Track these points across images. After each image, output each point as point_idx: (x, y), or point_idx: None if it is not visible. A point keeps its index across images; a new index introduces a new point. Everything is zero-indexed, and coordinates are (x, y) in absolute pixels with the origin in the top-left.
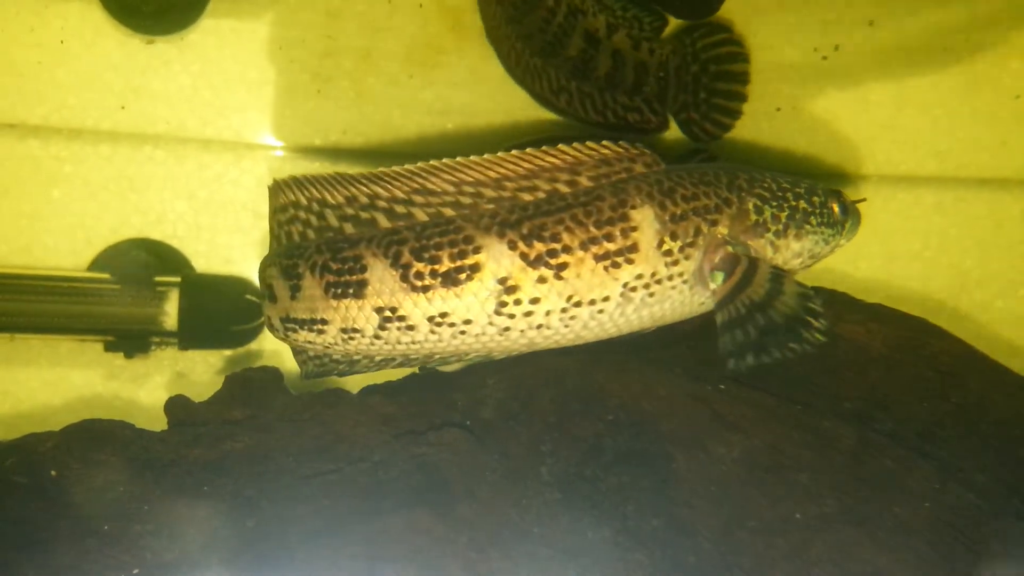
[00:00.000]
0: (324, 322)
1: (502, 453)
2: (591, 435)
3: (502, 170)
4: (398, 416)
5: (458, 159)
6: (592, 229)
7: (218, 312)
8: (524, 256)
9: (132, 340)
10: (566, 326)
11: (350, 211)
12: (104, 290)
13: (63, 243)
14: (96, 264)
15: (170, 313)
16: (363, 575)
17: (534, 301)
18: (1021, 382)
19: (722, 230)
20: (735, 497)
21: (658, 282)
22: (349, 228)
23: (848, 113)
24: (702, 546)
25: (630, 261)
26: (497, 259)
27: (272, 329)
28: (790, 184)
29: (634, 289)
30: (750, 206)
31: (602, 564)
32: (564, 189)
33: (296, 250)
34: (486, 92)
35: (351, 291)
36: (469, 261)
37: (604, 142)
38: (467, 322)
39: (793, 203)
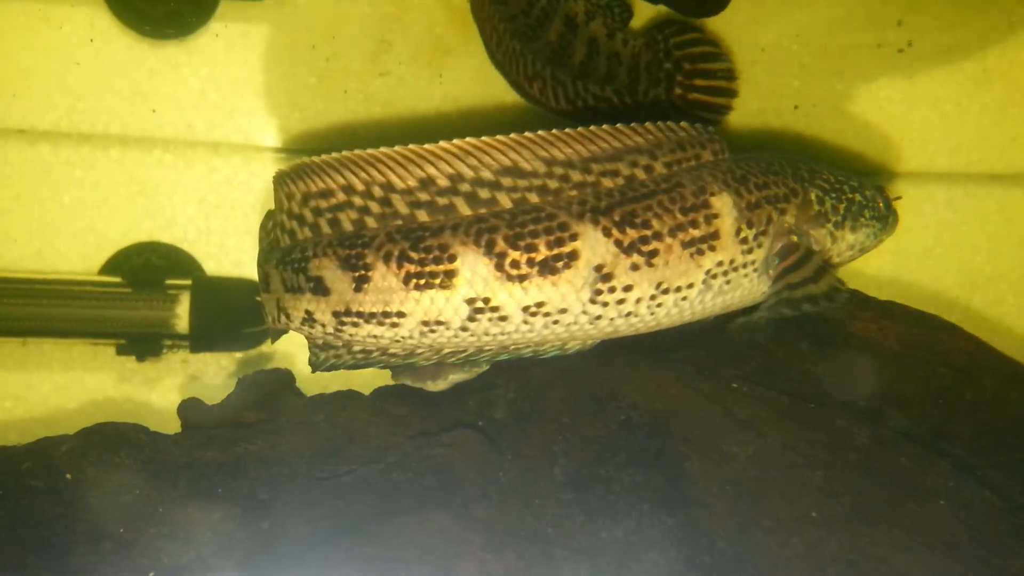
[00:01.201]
0: (401, 315)
1: (515, 454)
2: (604, 435)
3: (593, 147)
4: (411, 417)
5: (547, 132)
6: (678, 215)
7: (229, 314)
8: (618, 243)
9: (144, 343)
10: (651, 313)
11: (424, 196)
12: (116, 294)
13: (74, 247)
14: (107, 268)
15: (181, 316)
16: None
17: (627, 289)
18: None
19: (789, 219)
20: (749, 496)
21: (734, 269)
22: (423, 216)
23: (858, 110)
24: (717, 545)
25: (712, 248)
26: (593, 246)
27: (310, 323)
28: (844, 177)
29: (715, 276)
30: (812, 196)
31: (616, 564)
32: (641, 175)
33: (354, 239)
34: (494, 93)
35: (437, 282)
36: (567, 249)
37: (682, 123)
38: (562, 311)
39: (850, 195)
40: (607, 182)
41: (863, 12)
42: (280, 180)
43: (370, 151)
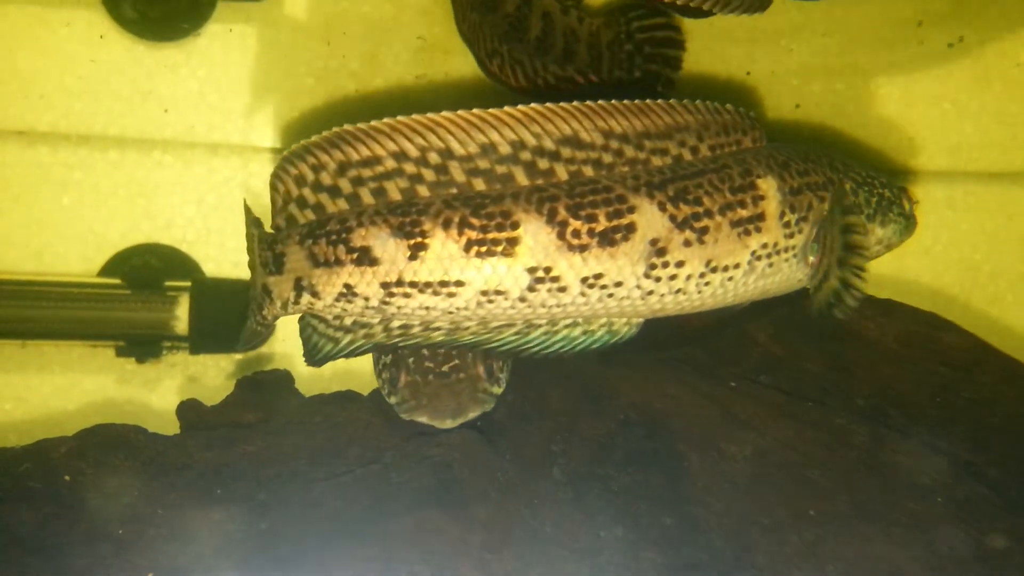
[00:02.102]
0: (459, 284)
1: (514, 453)
2: (602, 435)
3: (647, 121)
4: None
5: (605, 103)
6: (728, 195)
7: (229, 316)
8: (673, 218)
9: (143, 345)
10: (699, 292)
11: (483, 164)
12: (115, 295)
13: (73, 249)
14: (106, 269)
15: (181, 317)
16: None
17: (679, 264)
18: None
19: (827, 207)
20: (748, 495)
21: (777, 252)
22: (480, 185)
23: (858, 109)
24: (715, 544)
25: (758, 230)
26: (650, 220)
27: (347, 298)
28: (875, 173)
29: (759, 258)
30: (847, 187)
31: (615, 563)
32: (688, 156)
33: (407, 207)
34: (494, 92)
35: (499, 249)
36: (625, 221)
37: (727, 106)
38: (617, 284)
39: (880, 190)
40: (656, 160)
41: (865, 10)
42: (299, 154)
43: (429, 115)
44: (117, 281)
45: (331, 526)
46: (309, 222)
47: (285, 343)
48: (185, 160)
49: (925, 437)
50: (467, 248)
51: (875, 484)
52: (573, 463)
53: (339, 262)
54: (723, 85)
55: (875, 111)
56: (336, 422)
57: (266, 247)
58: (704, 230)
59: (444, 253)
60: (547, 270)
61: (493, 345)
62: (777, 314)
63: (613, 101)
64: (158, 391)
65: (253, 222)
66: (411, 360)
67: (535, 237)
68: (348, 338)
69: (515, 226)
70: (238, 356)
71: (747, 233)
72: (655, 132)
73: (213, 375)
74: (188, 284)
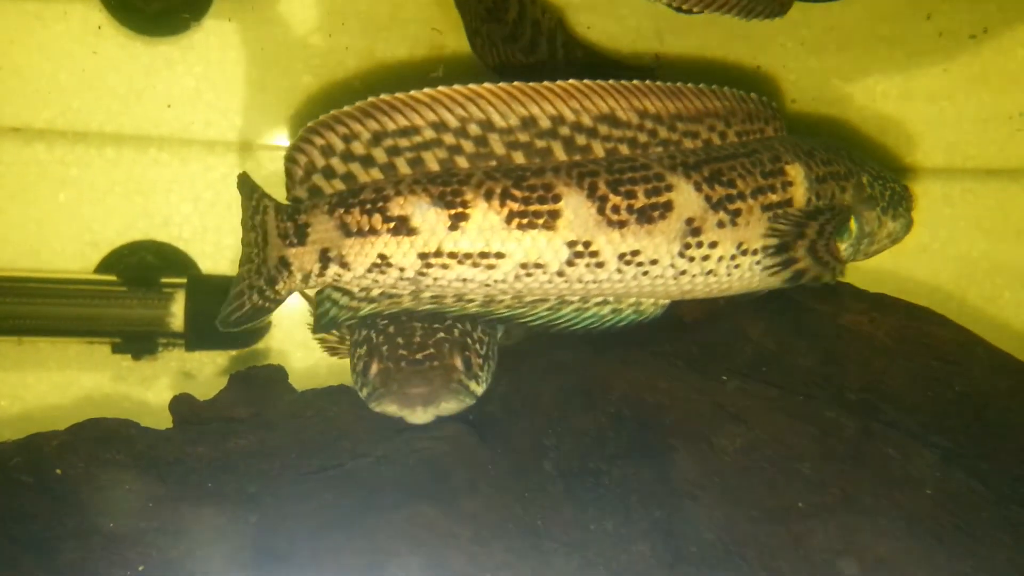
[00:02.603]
0: (500, 256)
1: (505, 447)
2: (594, 428)
3: (680, 104)
4: None
5: (640, 83)
6: (759, 179)
7: None
8: (708, 199)
9: (139, 342)
10: (728, 274)
11: (523, 137)
12: (111, 292)
13: (70, 246)
14: (103, 266)
15: (177, 314)
16: (366, 570)
17: (712, 245)
18: None
19: (847, 198)
20: (738, 488)
21: None
22: (519, 158)
23: (855, 106)
24: (705, 537)
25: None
26: (687, 199)
27: (380, 269)
28: (885, 169)
29: None
30: (864, 180)
31: (606, 556)
32: (717, 141)
33: (447, 177)
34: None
35: (541, 222)
36: (663, 199)
37: (751, 94)
38: (653, 262)
39: (891, 184)
40: (688, 142)
41: (863, 8)
42: (328, 124)
43: (471, 86)
44: (113, 278)
45: (322, 519)
46: (339, 192)
47: (280, 340)
48: (182, 157)
49: (916, 431)
50: (508, 220)
51: (865, 477)
52: (564, 457)
53: (374, 231)
54: (721, 79)
55: (872, 108)
56: (327, 416)
57: (285, 218)
58: (737, 212)
59: (485, 224)
60: (586, 244)
61: (527, 319)
62: (770, 309)
63: (648, 82)
64: (154, 388)
65: (258, 192)
66: (385, 348)
67: (576, 211)
68: (369, 307)
69: (556, 199)
70: (233, 353)
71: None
72: (687, 115)
73: (209, 372)
74: (184, 281)
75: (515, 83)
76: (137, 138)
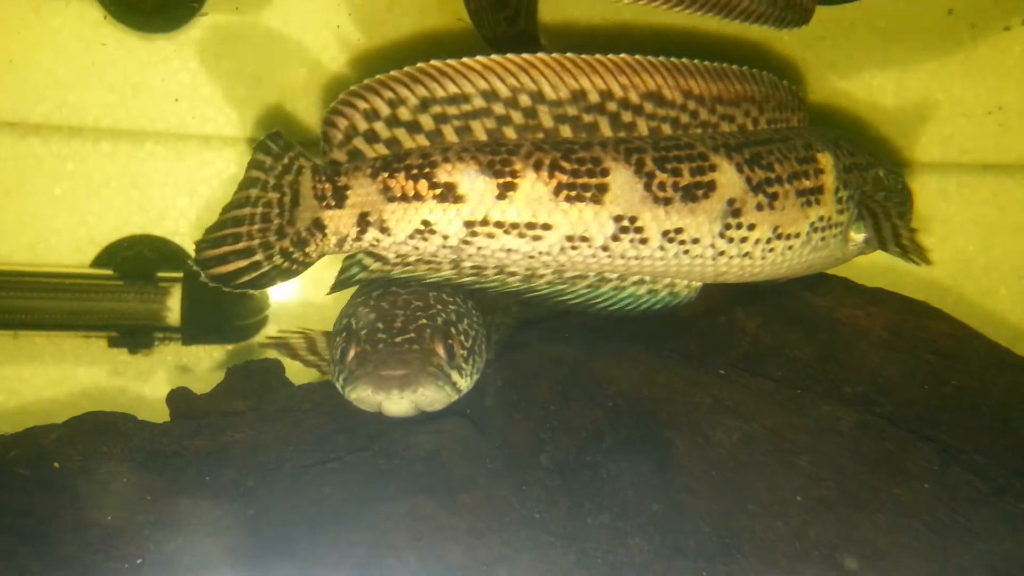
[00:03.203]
0: (546, 227)
1: (502, 441)
2: (591, 422)
3: (721, 86)
4: None
5: (687, 61)
6: (795, 164)
7: (221, 307)
8: (749, 180)
9: (136, 336)
10: (762, 258)
11: (572, 111)
12: (107, 286)
13: (66, 240)
14: (99, 261)
15: (173, 308)
16: (364, 562)
17: (751, 227)
18: (1022, 364)
19: (868, 189)
20: (735, 481)
21: (829, 227)
22: (566, 132)
23: (850, 100)
24: (702, 530)
25: (818, 202)
26: (729, 179)
27: (423, 235)
28: (894, 165)
29: (816, 230)
30: (881, 173)
31: (602, 549)
32: (750, 127)
33: (495, 146)
34: None
35: (589, 195)
36: (706, 178)
37: (784, 81)
38: (695, 241)
39: (901, 183)
40: (725, 126)
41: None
42: (372, 88)
43: (523, 56)
44: (110, 272)
45: (319, 512)
46: (383, 156)
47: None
48: (178, 152)
49: (913, 425)
50: (556, 192)
51: (862, 471)
52: (561, 450)
53: (419, 197)
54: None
55: (868, 102)
56: (325, 410)
57: (324, 179)
58: (775, 196)
59: (533, 195)
60: (632, 220)
61: (566, 297)
62: (766, 303)
63: (695, 61)
64: (151, 382)
65: (293, 151)
66: (364, 332)
67: (623, 186)
68: (402, 271)
69: (604, 173)
70: (230, 347)
71: (809, 204)
72: (727, 98)
73: (206, 366)
74: (180, 275)
75: (567, 54)
76: (133, 133)
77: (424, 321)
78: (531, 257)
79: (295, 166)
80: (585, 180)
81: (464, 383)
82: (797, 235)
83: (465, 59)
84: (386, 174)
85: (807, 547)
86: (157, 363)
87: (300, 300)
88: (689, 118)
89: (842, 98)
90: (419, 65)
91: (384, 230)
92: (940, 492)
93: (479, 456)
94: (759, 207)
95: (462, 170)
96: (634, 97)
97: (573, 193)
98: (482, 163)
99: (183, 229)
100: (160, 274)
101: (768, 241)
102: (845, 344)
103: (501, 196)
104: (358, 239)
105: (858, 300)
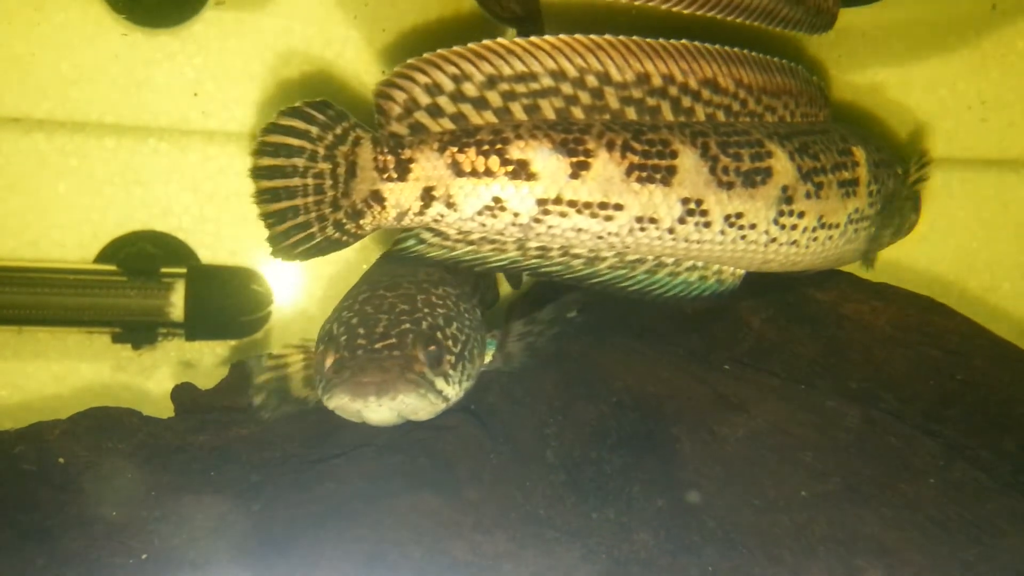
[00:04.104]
0: (618, 207)
1: (507, 437)
2: (595, 418)
3: (767, 77)
4: None
5: (738, 50)
6: (836, 155)
7: (224, 303)
8: (800, 168)
9: (139, 332)
10: (807, 247)
11: (636, 93)
12: (111, 282)
13: (70, 236)
14: (102, 256)
15: (177, 304)
16: (369, 558)
17: (800, 215)
18: None
19: (891, 185)
20: (740, 477)
21: (862, 219)
22: (631, 114)
23: (854, 96)
24: (707, 525)
25: (855, 194)
26: (784, 167)
27: (493, 212)
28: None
29: (852, 221)
30: (900, 171)
31: (607, 545)
32: (788, 119)
33: (567, 124)
34: None
35: (659, 176)
36: (764, 164)
37: (814, 78)
38: (752, 226)
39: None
40: (768, 117)
41: None
42: (435, 63)
43: (591, 36)
44: (113, 268)
45: (323, 507)
46: (451, 130)
47: (283, 330)
48: (181, 147)
49: (918, 420)
50: (628, 172)
51: (867, 466)
52: (566, 446)
53: (489, 173)
54: None
55: (871, 99)
56: None
57: (386, 150)
58: (820, 185)
59: (605, 174)
60: (698, 203)
61: (626, 283)
62: (771, 298)
63: (745, 51)
64: (154, 377)
65: (348, 121)
66: (344, 339)
67: (690, 169)
68: (465, 250)
69: (673, 155)
70: (233, 343)
71: (848, 195)
72: (770, 89)
73: (209, 362)
74: (184, 271)
75: (633, 37)
76: (137, 129)
77: (407, 326)
78: (599, 238)
79: (351, 136)
80: (656, 161)
81: (452, 390)
82: (837, 225)
83: (532, 38)
84: (455, 148)
85: (812, 542)
86: (160, 359)
87: (301, 299)
88: (739, 106)
89: (847, 94)
90: (484, 42)
91: (450, 205)
92: (945, 487)
93: (484, 452)
94: (808, 195)
95: (535, 147)
96: (693, 83)
97: (644, 174)
98: (555, 141)
99: (187, 225)
100: (163, 270)
101: (813, 230)
102: (850, 339)
103: (574, 175)
104: (420, 213)
105: (863, 295)
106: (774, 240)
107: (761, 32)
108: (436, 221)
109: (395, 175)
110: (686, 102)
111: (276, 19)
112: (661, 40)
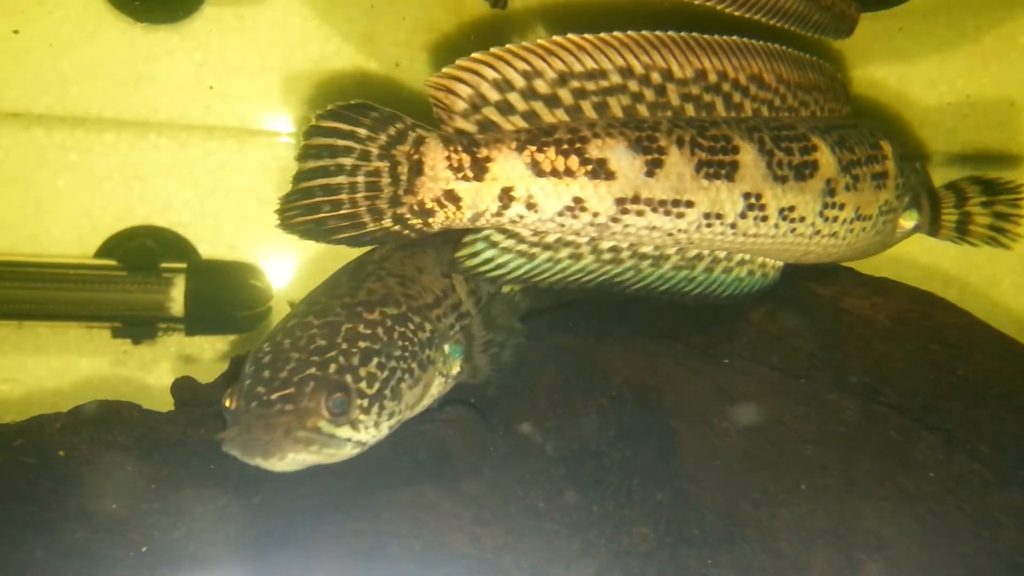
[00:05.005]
0: (689, 204)
1: (507, 430)
2: (595, 411)
3: (801, 74)
4: None
5: (776, 46)
6: (868, 148)
7: (224, 298)
8: (840, 161)
9: (139, 326)
10: (844, 239)
11: (695, 90)
12: (111, 277)
13: (69, 231)
14: (102, 251)
15: (176, 299)
16: (368, 550)
17: (841, 207)
18: None
19: (913, 179)
20: (739, 470)
21: (890, 211)
22: (690, 111)
23: (855, 92)
24: (706, 519)
25: (885, 186)
26: (828, 160)
27: (574, 213)
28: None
29: (882, 213)
30: (919, 165)
31: (607, 538)
32: (818, 113)
33: (638, 122)
34: None
35: (723, 172)
36: (811, 158)
37: (838, 74)
38: (801, 219)
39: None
40: (803, 112)
41: None
42: (502, 58)
43: (657, 32)
44: (113, 263)
45: (323, 500)
46: (526, 129)
47: None
48: (181, 143)
49: (917, 414)
50: (697, 168)
51: (867, 459)
52: (566, 439)
53: (570, 173)
54: None
55: (871, 94)
56: None
57: (461, 149)
58: (857, 178)
59: (677, 171)
60: (758, 197)
61: (689, 287)
62: (771, 292)
63: (782, 47)
64: (154, 372)
65: (405, 120)
66: (247, 382)
67: (751, 164)
68: (546, 255)
69: (735, 151)
70: (233, 338)
71: (879, 188)
72: (805, 85)
73: (209, 357)
74: (184, 266)
75: (692, 33)
76: (136, 123)
77: (312, 371)
78: (670, 235)
79: (411, 136)
80: (720, 157)
81: (366, 435)
82: (870, 217)
83: (601, 34)
84: (534, 148)
85: (812, 535)
86: (160, 354)
87: (301, 295)
88: (780, 101)
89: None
90: (555, 38)
91: (531, 206)
92: (945, 481)
93: (484, 445)
94: (847, 188)
95: (612, 146)
96: (743, 79)
97: (711, 170)
98: (630, 139)
99: (186, 220)
100: (163, 265)
101: (851, 222)
102: (850, 333)
103: (649, 173)
104: (498, 214)
105: (863, 290)
106: (818, 232)
107: (763, 30)
108: (514, 222)
109: (471, 174)
110: (736, 98)
111: (275, 14)
112: (716, 36)
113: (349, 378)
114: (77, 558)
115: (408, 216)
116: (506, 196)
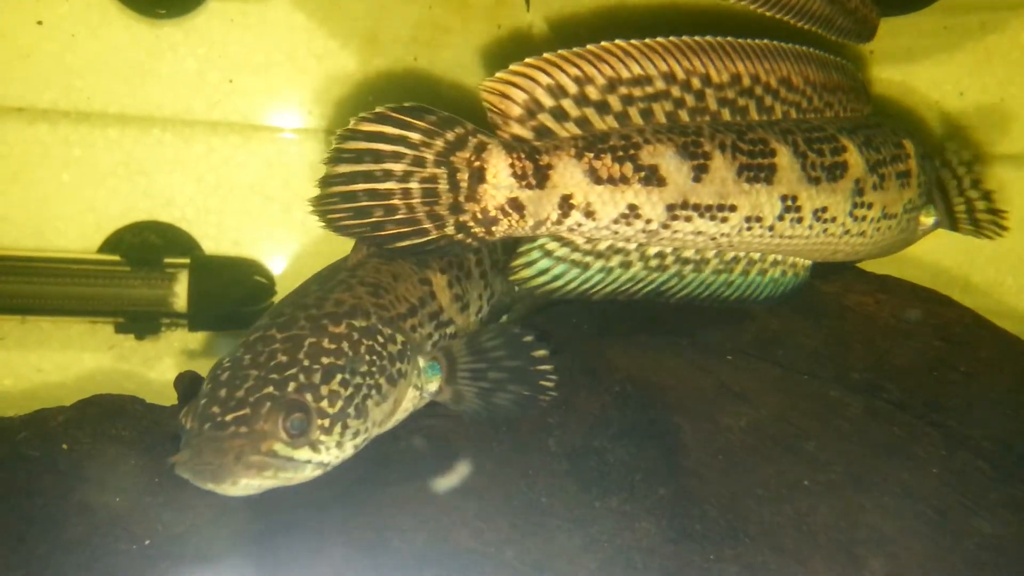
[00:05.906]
0: (732, 208)
1: (510, 425)
2: (598, 407)
3: (826, 75)
4: None
5: (801, 48)
6: (892, 148)
7: (227, 293)
8: (867, 161)
9: (142, 322)
10: (871, 237)
11: (730, 94)
12: (114, 272)
13: (73, 226)
14: (106, 246)
15: (180, 295)
16: (372, 544)
17: (869, 206)
18: None
19: (932, 177)
20: (742, 466)
21: (913, 209)
22: (726, 115)
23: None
24: (709, 514)
25: (908, 185)
26: (856, 160)
27: (628, 220)
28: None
29: (906, 211)
30: (937, 163)
31: (610, 533)
32: (842, 114)
33: (683, 127)
34: (493, 73)
35: (763, 175)
36: (840, 159)
37: (858, 74)
38: (833, 219)
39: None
40: (828, 113)
41: None
42: (555, 64)
43: (696, 38)
44: (116, 258)
45: (326, 494)
46: (582, 136)
47: None
48: (185, 138)
49: (920, 410)
50: (739, 172)
51: (869, 456)
52: (569, 435)
53: (625, 180)
54: None
55: (874, 94)
56: None
57: (524, 156)
58: (883, 177)
59: (720, 176)
60: (794, 199)
61: (728, 291)
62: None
63: (810, 49)
64: (157, 368)
65: (464, 125)
66: (203, 401)
67: (787, 167)
68: (599, 264)
69: (772, 154)
70: (237, 333)
71: (903, 186)
72: (829, 86)
73: (212, 352)
74: (187, 261)
75: (727, 38)
76: (140, 119)
77: (269, 390)
78: (713, 239)
79: (472, 141)
80: (760, 161)
81: (328, 455)
82: (895, 215)
83: (647, 40)
84: (591, 155)
85: (814, 531)
86: (164, 349)
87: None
88: (807, 103)
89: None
90: (603, 44)
91: (589, 214)
92: (947, 477)
93: (486, 440)
94: (874, 187)
95: (662, 152)
96: (773, 82)
97: (751, 174)
98: (678, 144)
99: (190, 215)
100: (167, 260)
101: (878, 220)
102: (853, 330)
103: (696, 178)
104: (558, 223)
105: (866, 287)
106: (848, 231)
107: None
108: (572, 230)
109: (534, 182)
110: (768, 101)
111: (279, 10)
112: (750, 40)
113: (309, 397)
114: (80, 552)
115: (471, 224)
116: (566, 204)
